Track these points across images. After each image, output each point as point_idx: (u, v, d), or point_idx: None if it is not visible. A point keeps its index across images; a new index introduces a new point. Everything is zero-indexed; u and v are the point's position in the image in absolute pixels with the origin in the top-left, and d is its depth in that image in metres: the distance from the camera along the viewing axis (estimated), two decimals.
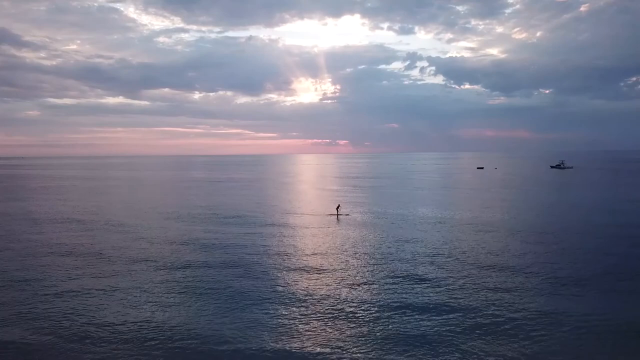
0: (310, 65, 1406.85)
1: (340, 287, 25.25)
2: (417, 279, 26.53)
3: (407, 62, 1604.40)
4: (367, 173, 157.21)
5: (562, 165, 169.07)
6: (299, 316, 21.09)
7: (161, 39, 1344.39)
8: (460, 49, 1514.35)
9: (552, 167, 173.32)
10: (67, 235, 41.67)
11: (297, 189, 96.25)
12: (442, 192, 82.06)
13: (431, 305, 21.97)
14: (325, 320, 20.56)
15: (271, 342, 18.39)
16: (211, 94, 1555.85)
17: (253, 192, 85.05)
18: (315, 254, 33.02)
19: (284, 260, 31.34)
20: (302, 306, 22.35)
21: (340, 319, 20.61)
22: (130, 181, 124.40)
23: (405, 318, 20.60)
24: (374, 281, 26.20)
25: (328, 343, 18.22)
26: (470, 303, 22.28)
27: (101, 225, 46.82)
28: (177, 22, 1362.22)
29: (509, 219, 48.65)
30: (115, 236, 40.78)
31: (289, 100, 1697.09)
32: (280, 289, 25.12)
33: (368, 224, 46.38)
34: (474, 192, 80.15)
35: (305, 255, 32.80)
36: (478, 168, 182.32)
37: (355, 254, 33.03)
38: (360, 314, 21.15)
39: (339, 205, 54.42)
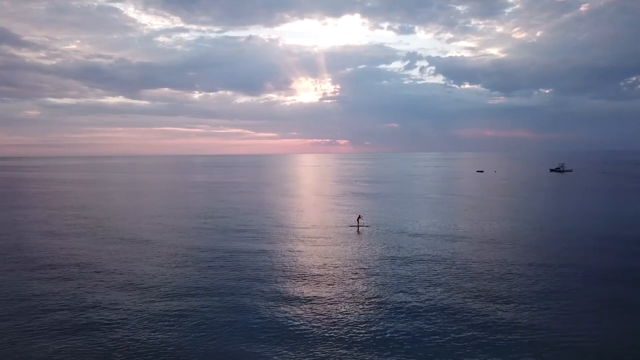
0: (310, 65, 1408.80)
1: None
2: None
3: (407, 62, 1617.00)
4: (369, 176, 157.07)
5: (561, 169, 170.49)
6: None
7: (161, 38, 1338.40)
8: (460, 48, 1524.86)
9: (551, 170, 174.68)
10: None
11: (308, 196, 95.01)
12: (446, 200, 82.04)
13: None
14: None
15: None
16: (211, 93, 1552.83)
17: (261, 200, 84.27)
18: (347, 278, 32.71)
19: (332, 289, 30.85)
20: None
21: None
22: (129, 185, 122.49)
23: None
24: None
25: None
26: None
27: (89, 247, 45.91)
28: (177, 22, 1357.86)
29: (512, 235, 48.21)
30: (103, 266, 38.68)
31: (288, 100, 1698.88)
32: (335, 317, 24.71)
33: (387, 237, 46.09)
34: (476, 201, 79.98)
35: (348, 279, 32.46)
36: (478, 171, 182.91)
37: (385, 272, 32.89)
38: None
39: (359, 216, 53.96)
